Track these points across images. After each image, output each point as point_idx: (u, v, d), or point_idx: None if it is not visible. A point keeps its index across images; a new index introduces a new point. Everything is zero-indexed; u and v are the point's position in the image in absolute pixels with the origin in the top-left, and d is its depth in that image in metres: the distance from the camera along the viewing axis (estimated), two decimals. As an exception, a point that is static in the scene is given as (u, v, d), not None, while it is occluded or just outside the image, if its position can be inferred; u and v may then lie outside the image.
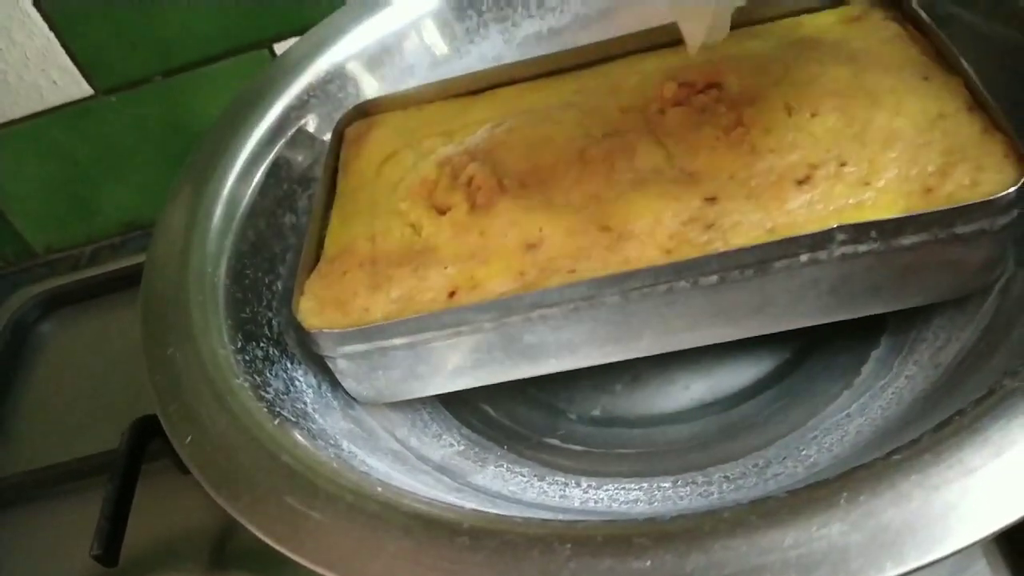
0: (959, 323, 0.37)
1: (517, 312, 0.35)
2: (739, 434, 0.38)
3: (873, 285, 0.35)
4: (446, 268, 0.38)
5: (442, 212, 0.40)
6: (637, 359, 0.38)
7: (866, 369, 0.38)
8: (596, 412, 0.42)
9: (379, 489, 0.29)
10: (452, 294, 0.37)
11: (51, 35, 0.71)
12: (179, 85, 0.75)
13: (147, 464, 0.50)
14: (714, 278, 0.34)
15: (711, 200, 0.36)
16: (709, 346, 0.38)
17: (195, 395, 0.34)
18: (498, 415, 0.43)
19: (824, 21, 0.45)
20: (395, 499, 0.29)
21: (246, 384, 0.35)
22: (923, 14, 0.41)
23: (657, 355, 0.38)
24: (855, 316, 0.37)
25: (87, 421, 0.60)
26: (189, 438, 0.33)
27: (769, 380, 0.41)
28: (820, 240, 0.33)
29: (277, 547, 0.28)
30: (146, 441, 0.50)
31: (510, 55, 0.55)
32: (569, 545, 0.25)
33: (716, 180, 0.37)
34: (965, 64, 0.38)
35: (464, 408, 0.43)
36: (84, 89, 0.75)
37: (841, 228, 0.33)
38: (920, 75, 0.39)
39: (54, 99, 0.76)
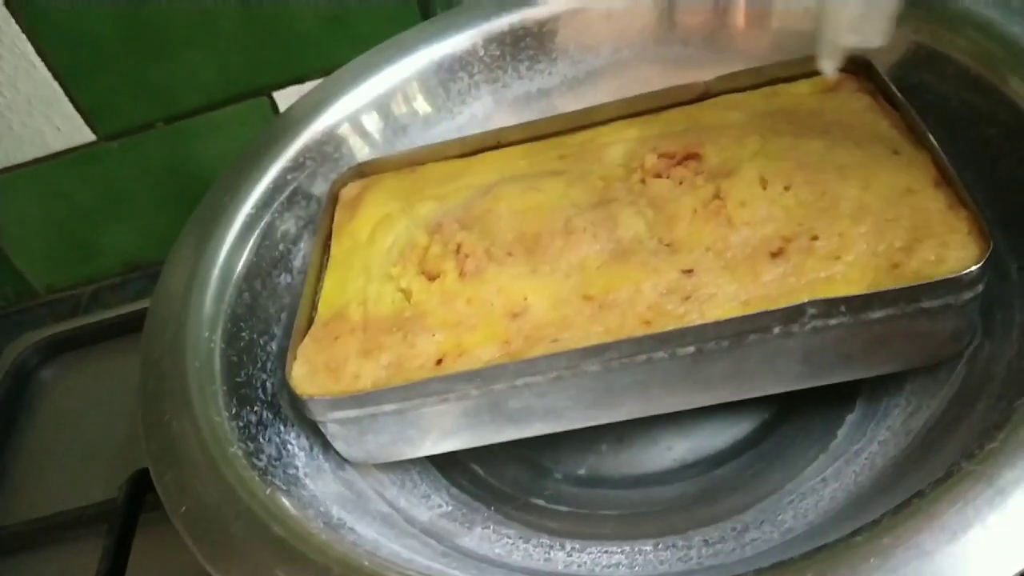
0: (930, 390, 0.38)
1: (502, 380, 0.37)
2: (719, 496, 0.39)
3: (844, 354, 0.37)
4: (434, 335, 0.39)
5: (432, 278, 0.41)
6: (622, 421, 0.39)
7: (841, 433, 0.40)
8: (582, 472, 0.43)
9: (366, 563, 0.30)
10: (439, 361, 0.38)
11: (55, 84, 0.73)
12: (181, 131, 0.77)
13: (146, 514, 0.51)
14: (691, 349, 0.36)
15: (688, 272, 0.38)
16: (690, 408, 0.39)
17: (190, 464, 0.35)
18: (486, 475, 0.44)
19: (800, 90, 0.46)
20: (381, 572, 0.30)
21: (240, 452, 0.36)
22: (892, 87, 0.43)
23: (641, 417, 0.40)
24: (828, 383, 0.38)
25: (88, 469, 0.60)
26: (184, 508, 0.34)
27: (748, 442, 0.42)
28: (792, 314, 0.35)
29: (267, 619, 0.29)
30: (144, 492, 0.51)
31: (500, 115, 0.57)
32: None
33: (694, 252, 0.38)
34: (932, 139, 0.39)
35: (453, 468, 0.44)
36: (87, 135, 0.76)
37: (812, 303, 0.34)
38: (890, 149, 0.41)
39: (57, 145, 0.77)
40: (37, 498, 0.59)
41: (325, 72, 0.73)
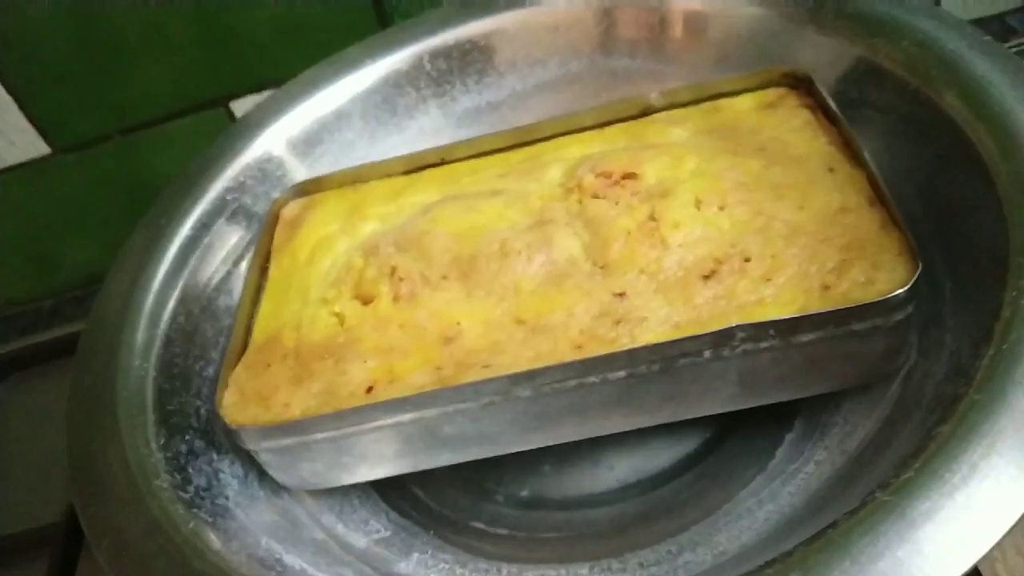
0: (865, 410, 0.38)
1: (434, 407, 0.36)
2: (657, 518, 0.39)
3: (778, 376, 0.37)
4: (366, 361, 0.38)
5: (366, 302, 0.41)
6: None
7: (780, 452, 0.39)
8: (524, 493, 0.43)
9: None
10: (370, 389, 0.38)
11: (8, 98, 0.72)
12: (137, 143, 0.76)
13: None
14: (622, 373, 0.35)
15: (620, 295, 0.37)
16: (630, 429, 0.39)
17: (115, 497, 0.35)
18: (427, 498, 0.43)
19: (742, 106, 0.46)
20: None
21: (166, 484, 0.35)
22: (830, 102, 0.43)
23: (583, 436, 0.39)
24: (762, 403, 0.38)
25: (37, 491, 0.60)
26: (106, 542, 0.33)
27: (689, 461, 0.42)
28: (721, 338, 0.34)
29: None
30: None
31: (449, 129, 0.56)
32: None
33: (627, 274, 0.38)
34: (867, 156, 0.39)
35: (395, 490, 0.44)
36: (42, 148, 0.76)
37: (741, 327, 0.34)
38: (826, 167, 0.40)
39: (11, 158, 0.76)
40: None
41: (282, 81, 0.73)
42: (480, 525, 0.41)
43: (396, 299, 0.40)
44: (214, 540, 0.33)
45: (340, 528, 0.40)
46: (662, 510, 0.40)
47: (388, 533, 0.41)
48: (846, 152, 0.41)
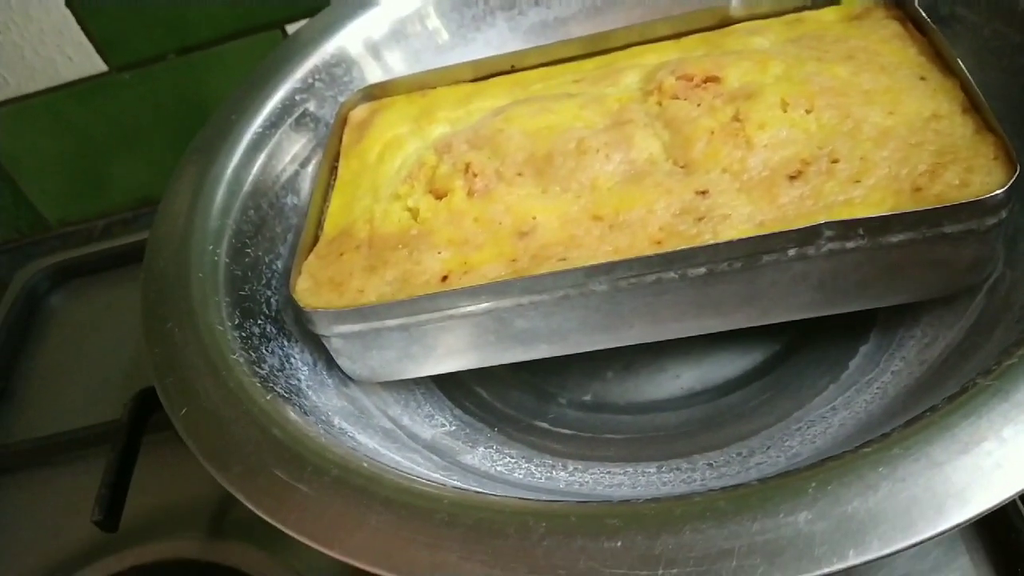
0: (947, 321, 0.37)
1: (508, 297, 0.36)
2: (725, 423, 0.39)
3: (861, 281, 0.36)
4: (440, 252, 0.38)
5: (440, 197, 0.40)
6: (630, 347, 0.39)
7: (853, 364, 0.39)
8: (587, 398, 0.43)
9: (364, 464, 0.30)
10: (445, 278, 0.37)
11: (67, 12, 0.72)
12: (192, 63, 0.76)
13: (149, 435, 0.51)
14: (702, 270, 0.35)
15: (703, 193, 0.37)
16: (700, 337, 0.39)
17: (191, 369, 0.35)
18: (491, 397, 0.43)
19: (826, 18, 0.45)
20: (379, 474, 0.29)
21: (241, 360, 0.36)
22: (922, 13, 0.41)
23: (649, 344, 0.39)
24: (842, 311, 0.37)
25: (94, 391, 0.61)
26: (184, 410, 0.33)
27: (758, 372, 0.41)
28: (807, 235, 0.34)
29: (264, 517, 0.29)
30: (148, 412, 0.51)
31: (515, 43, 0.56)
32: (544, 524, 0.26)
33: (709, 173, 0.37)
34: (961, 65, 0.38)
35: (458, 390, 0.44)
36: (98, 65, 0.76)
37: (828, 224, 0.33)
38: (917, 75, 0.39)
39: (69, 75, 0.77)
40: (44, 418, 0.59)
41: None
42: (544, 424, 0.41)
43: (470, 194, 0.40)
44: (290, 413, 0.34)
45: (406, 420, 0.41)
46: (730, 417, 0.39)
47: (453, 428, 0.41)
48: (937, 62, 0.40)
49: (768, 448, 0.36)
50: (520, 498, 0.28)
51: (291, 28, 0.74)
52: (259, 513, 0.29)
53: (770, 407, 0.39)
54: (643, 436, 0.40)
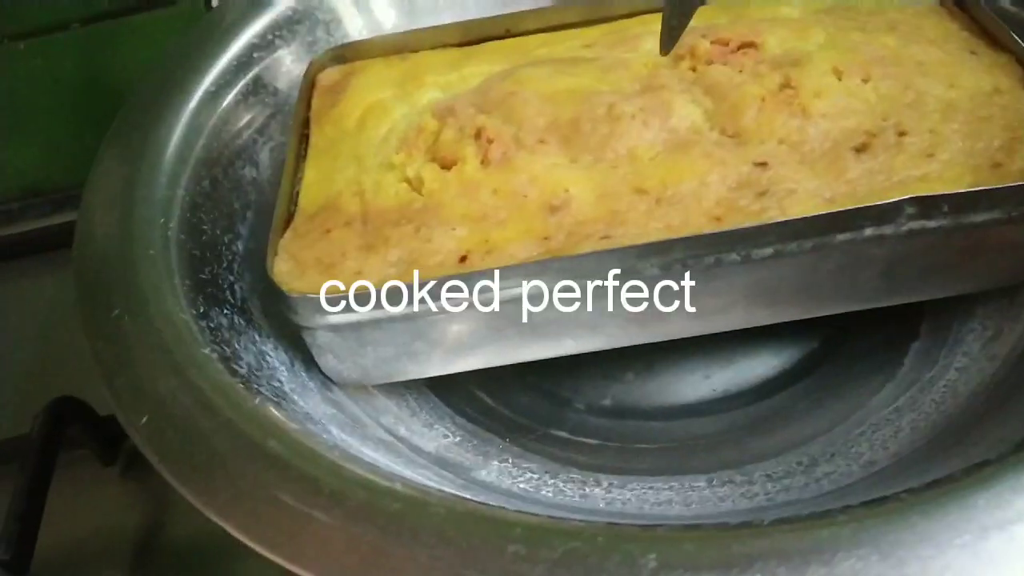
0: (1010, 313, 0.34)
1: (544, 278, 0.30)
2: (773, 429, 0.34)
3: (928, 267, 0.32)
4: (454, 229, 0.32)
5: (447, 167, 0.34)
6: (648, 345, 0.34)
7: (908, 361, 0.35)
8: (607, 402, 0.37)
9: (398, 487, 0.23)
10: (463, 258, 0.31)
11: (-52, -32, 0.62)
12: (100, 34, 0.67)
13: (64, 453, 0.42)
14: (769, 250, 0.30)
15: (762, 165, 0.32)
16: (727, 334, 0.34)
17: (150, 366, 0.27)
18: (495, 403, 0.37)
19: (852, -9, 0.42)
20: (421, 496, 0.23)
21: (214, 355, 0.28)
22: (963, -12, 0.39)
23: (671, 341, 0.34)
24: (902, 302, 0.34)
25: None
26: (145, 418, 0.26)
27: (798, 371, 0.37)
28: (889, 212, 0.30)
29: (269, 555, 0.22)
30: (63, 426, 0.42)
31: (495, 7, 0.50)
32: (653, 555, 0.21)
33: (765, 144, 0.33)
34: (1015, 38, 0.35)
35: (454, 394, 0.37)
36: (-15, 33, 0.65)
37: (912, 200, 0.30)
38: (967, 49, 0.36)
39: (-55, 42, 0.66)
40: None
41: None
42: (563, 434, 0.36)
43: (485, 162, 0.34)
44: (286, 421, 0.27)
45: (403, 430, 0.34)
46: (777, 422, 0.35)
47: (458, 439, 0.35)
48: (983, 37, 0.37)
49: (833, 456, 0.32)
50: (607, 523, 0.22)
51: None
52: (262, 550, 0.22)
53: (821, 410, 0.35)
54: (680, 445, 0.35)
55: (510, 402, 0.37)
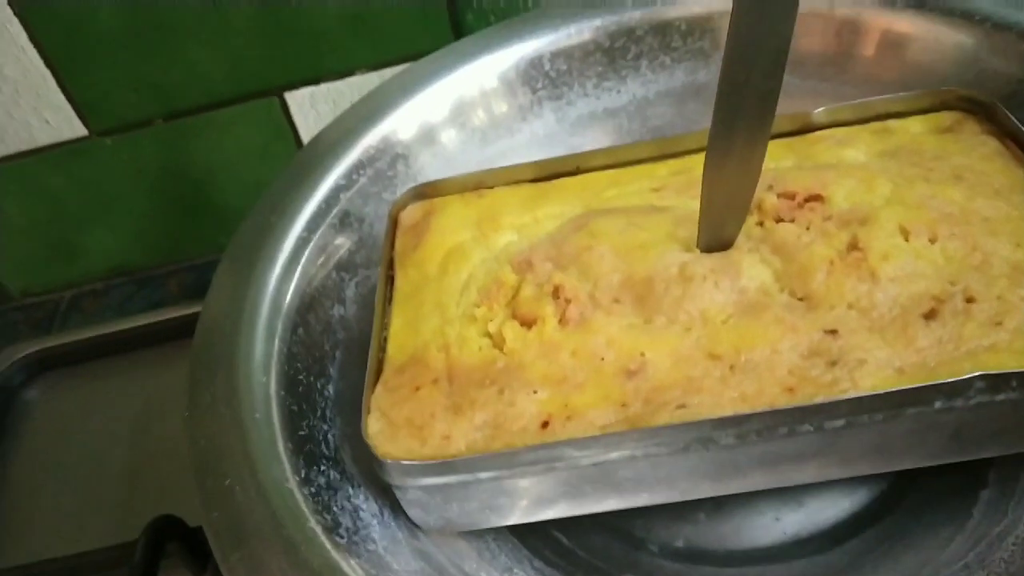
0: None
1: (621, 449, 0.32)
2: (847, 580, 0.35)
3: (997, 430, 0.33)
4: (536, 392, 0.34)
5: (526, 324, 0.36)
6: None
7: (977, 512, 0.36)
8: (679, 543, 0.39)
9: None
10: (546, 424, 0.33)
11: (47, 72, 0.67)
12: (180, 129, 0.71)
13: (165, 560, 0.45)
14: (840, 422, 0.31)
15: (832, 333, 0.33)
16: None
17: (263, 543, 0.30)
18: (571, 544, 0.39)
19: (914, 129, 0.43)
20: None
21: (319, 528, 0.31)
22: (1025, 131, 0.40)
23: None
24: (971, 458, 0.35)
25: (86, 506, 0.54)
26: (259, 598, 0.28)
27: (868, 516, 0.38)
28: (958, 388, 0.31)
29: None
30: (162, 543, 0.45)
31: (562, 134, 0.53)
32: None
33: (835, 309, 0.34)
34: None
35: (533, 535, 0.39)
36: (78, 129, 0.70)
37: (981, 377, 0.31)
38: (1033, 201, 0.37)
39: (45, 139, 0.71)
40: (31, 538, 0.52)
41: (342, 74, 0.69)
42: (638, 579, 0.37)
43: (563, 322, 0.36)
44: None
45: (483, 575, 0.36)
46: (851, 570, 0.36)
47: (537, 583, 0.37)
48: (1050, 186, 0.38)
49: (908, 616, 0.33)
50: None
51: (290, 96, 0.70)
52: None
53: (892, 562, 0.35)
54: (755, 594, 0.36)
55: (585, 542, 0.39)
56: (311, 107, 0.70)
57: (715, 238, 0.36)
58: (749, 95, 0.31)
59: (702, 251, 0.36)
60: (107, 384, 0.62)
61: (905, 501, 0.38)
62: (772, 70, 0.30)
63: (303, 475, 0.33)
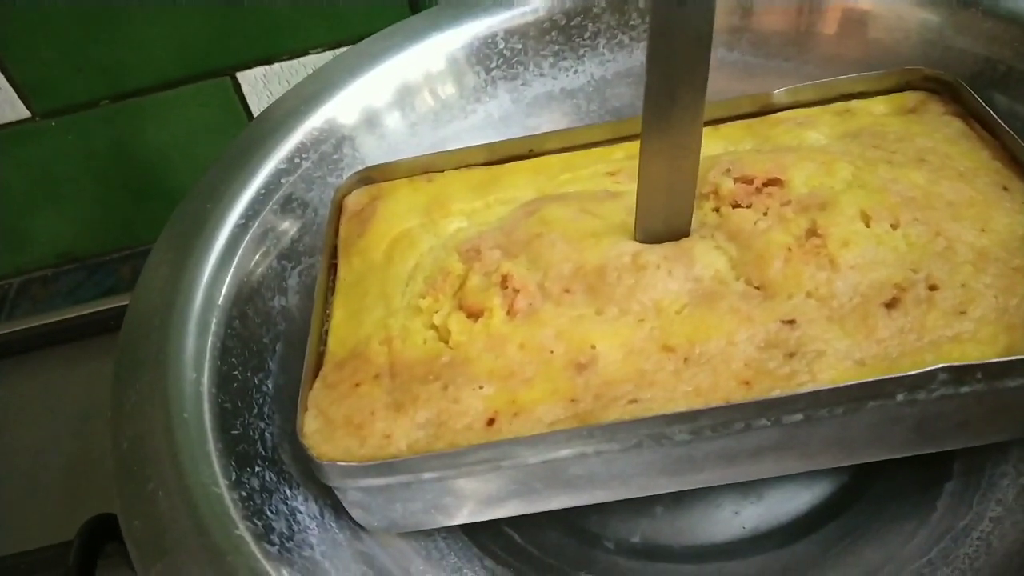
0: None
1: (571, 446, 0.30)
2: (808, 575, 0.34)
3: (962, 422, 0.32)
4: (481, 387, 0.32)
5: (473, 315, 0.35)
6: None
7: (941, 505, 0.35)
8: (636, 539, 0.37)
9: None
10: (491, 421, 0.32)
11: (-14, 53, 0.64)
12: (129, 111, 0.69)
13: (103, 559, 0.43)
14: (799, 416, 0.30)
15: (790, 323, 0.32)
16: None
17: (186, 553, 0.28)
18: (524, 541, 0.37)
19: (877, 109, 0.41)
20: None
21: (248, 535, 0.29)
22: (991, 111, 0.38)
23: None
24: (933, 451, 0.33)
25: (26, 504, 0.52)
26: (181, 612, 0.26)
27: (829, 510, 0.37)
28: (920, 381, 0.29)
29: None
30: (99, 544, 0.43)
31: (519, 115, 0.51)
32: None
33: (792, 298, 0.33)
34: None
35: (484, 533, 0.38)
36: (20, 111, 0.67)
37: (944, 369, 0.29)
38: (998, 184, 0.36)
39: (-16, 120, 0.68)
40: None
41: (296, 53, 0.66)
42: (593, 577, 0.36)
43: (511, 314, 0.34)
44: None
45: (432, 579, 0.34)
46: (810, 566, 0.35)
47: (486, 585, 0.35)
48: (1014, 168, 0.37)
49: (871, 614, 0.32)
50: None
51: (242, 75, 0.67)
52: None
53: (854, 557, 0.34)
54: (714, 593, 0.35)
55: (538, 540, 0.37)
56: (264, 87, 0.68)
57: (661, 227, 0.34)
58: (678, 77, 0.29)
59: (639, 242, 0.34)
60: (57, 374, 0.60)
61: (868, 493, 0.37)
62: (697, 52, 0.28)
63: (234, 478, 0.31)
